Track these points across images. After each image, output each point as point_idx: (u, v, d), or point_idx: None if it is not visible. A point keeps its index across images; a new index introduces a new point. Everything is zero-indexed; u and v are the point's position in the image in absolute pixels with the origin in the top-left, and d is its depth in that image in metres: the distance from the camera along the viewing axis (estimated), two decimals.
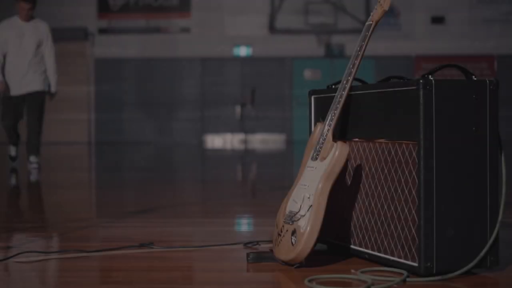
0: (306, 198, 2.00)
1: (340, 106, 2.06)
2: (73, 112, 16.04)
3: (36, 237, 2.65)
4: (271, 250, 2.20)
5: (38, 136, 6.64)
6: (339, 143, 2.01)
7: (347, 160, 2.12)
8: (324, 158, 2.03)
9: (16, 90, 6.62)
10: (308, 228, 1.95)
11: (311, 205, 1.97)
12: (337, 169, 1.99)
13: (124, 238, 2.63)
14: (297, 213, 2.02)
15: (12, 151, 6.96)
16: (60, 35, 15.81)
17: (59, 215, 3.37)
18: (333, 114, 2.07)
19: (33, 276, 1.98)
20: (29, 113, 6.63)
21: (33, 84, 6.61)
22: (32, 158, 6.59)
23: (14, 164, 7.06)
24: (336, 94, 2.09)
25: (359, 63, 2.07)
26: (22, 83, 6.60)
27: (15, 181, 5.54)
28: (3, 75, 6.59)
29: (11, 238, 2.62)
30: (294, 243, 1.98)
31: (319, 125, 2.14)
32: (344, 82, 2.07)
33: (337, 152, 1.99)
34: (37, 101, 6.63)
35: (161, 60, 16.09)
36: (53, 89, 6.73)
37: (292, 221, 2.02)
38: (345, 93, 2.06)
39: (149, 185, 4.92)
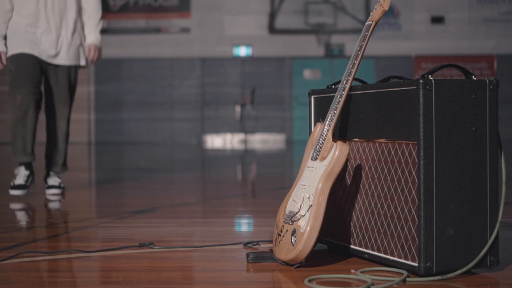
0: (306, 198, 2.01)
1: (340, 106, 2.06)
2: (73, 112, 15.95)
3: (36, 237, 2.65)
4: (271, 250, 2.20)
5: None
6: (339, 143, 2.01)
7: (347, 160, 2.12)
8: (324, 158, 2.03)
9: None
10: (308, 228, 1.95)
11: (311, 205, 1.97)
12: (337, 169, 1.99)
13: (124, 238, 2.63)
14: (297, 213, 2.02)
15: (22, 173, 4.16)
16: None
17: (59, 215, 3.37)
18: (332, 114, 2.07)
19: (33, 276, 1.98)
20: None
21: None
22: (53, 179, 4.30)
23: (22, 194, 4.11)
24: (336, 94, 2.09)
25: (359, 63, 2.07)
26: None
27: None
28: None
29: (11, 238, 2.62)
30: (294, 243, 1.98)
31: (319, 125, 2.14)
32: (344, 82, 2.07)
33: (337, 152, 1.99)
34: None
35: (161, 60, 16.09)
36: None
37: (292, 221, 2.02)
38: (344, 93, 2.06)
39: (149, 185, 4.92)
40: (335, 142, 2.03)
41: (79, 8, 4.25)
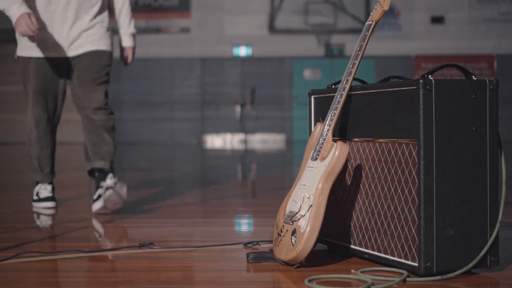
0: (306, 198, 2.01)
1: (340, 106, 2.06)
2: (73, 112, 15.98)
3: (36, 237, 2.65)
4: (271, 250, 2.20)
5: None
6: (339, 143, 2.01)
7: (347, 160, 2.12)
8: (324, 158, 2.03)
9: None
10: (308, 228, 1.95)
11: (311, 205, 1.97)
12: (337, 169, 1.99)
13: (124, 238, 2.63)
14: (297, 213, 2.02)
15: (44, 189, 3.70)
16: None
17: (59, 215, 3.37)
18: (332, 114, 2.07)
19: (33, 276, 1.98)
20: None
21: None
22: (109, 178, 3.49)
23: (54, 205, 3.67)
24: (336, 94, 2.09)
25: (359, 63, 2.07)
26: None
27: None
28: None
29: (11, 238, 2.62)
30: (294, 243, 1.98)
31: (319, 125, 2.14)
32: (344, 82, 2.07)
33: (337, 152, 1.99)
34: None
35: (161, 60, 16.09)
36: None
37: (292, 221, 2.02)
38: (344, 93, 2.06)
39: (149, 185, 4.92)
40: (335, 142, 2.03)
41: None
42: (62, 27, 3.49)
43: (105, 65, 3.71)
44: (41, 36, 3.45)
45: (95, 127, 3.55)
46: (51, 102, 3.63)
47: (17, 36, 3.47)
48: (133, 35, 3.91)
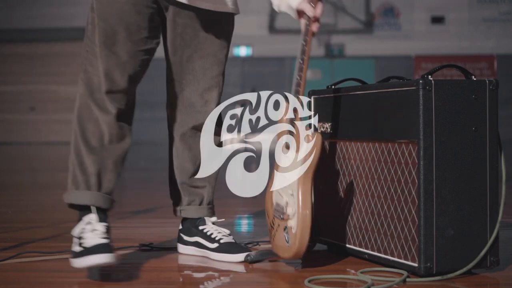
0: (290, 195, 1.97)
1: (301, 89, 2.05)
2: (73, 112, 15.99)
3: (36, 237, 2.65)
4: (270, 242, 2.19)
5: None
6: (312, 134, 1.98)
7: (323, 149, 2.03)
8: (298, 149, 1.98)
9: None
10: (299, 230, 1.93)
11: (297, 205, 1.94)
12: (314, 162, 1.94)
13: (124, 238, 2.63)
14: (284, 209, 1.98)
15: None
16: (60, 35, 15.83)
17: (59, 215, 3.37)
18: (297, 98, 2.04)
19: (33, 276, 1.98)
20: None
21: None
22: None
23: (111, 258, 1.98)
24: (293, 78, 2.09)
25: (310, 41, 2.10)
26: None
27: None
28: None
29: (11, 238, 2.62)
30: (288, 241, 1.97)
31: (286, 105, 2.05)
32: (300, 61, 2.09)
33: (311, 144, 1.96)
34: None
35: (161, 60, 16.05)
36: None
37: (281, 218, 1.99)
38: (303, 75, 2.07)
39: (149, 185, 4.91)
40: (308, 133, 1.98)
41: None
42: None
43: None
44: None
45: None
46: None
47: None
48: None
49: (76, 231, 2.01)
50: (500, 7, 15.79)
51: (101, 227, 2.00)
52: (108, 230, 2.04)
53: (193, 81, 2.25)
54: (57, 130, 15.81)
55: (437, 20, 15.83)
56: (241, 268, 2.06)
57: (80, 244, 1.96)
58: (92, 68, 2.11)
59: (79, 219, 2.03)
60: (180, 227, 2.35)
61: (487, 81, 1.91)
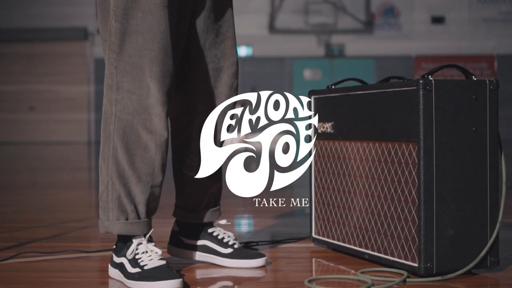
0: None
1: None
2: (73, 112, 16.03)
3: (36, 237, 2.65)
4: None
5: None
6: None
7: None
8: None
9: None
10: None
11: None
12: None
13: None
14: None
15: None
16: (60, 35, 15.84)
17: (59, 215, 3.37)
18: None
19: (33, 276, 1.98)
20: None
21: None
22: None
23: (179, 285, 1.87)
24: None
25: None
26: None
27: None
28: None
29: (11, 238, 2.62)
30: None
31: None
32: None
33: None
34: None
35: None
36: None
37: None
38: None
39: None
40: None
41: None
42: None
43: None
44: None
45: None
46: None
47: None
48: None
49: (130, 251, 1.88)
50: (500, 7, 15.79)
51: (154, 248, 1.90)
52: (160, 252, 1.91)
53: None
54: (57, 130, 15.82)
55: (437, 20, 15.84)
56: (261, 273, 2.04)
57: (137, 263, 1.85)
58: (133, 85, 1.86)
59: (123, 242, 1.92)
60: (177, 229, 2.23)
61: (487, 81, 1.91)
